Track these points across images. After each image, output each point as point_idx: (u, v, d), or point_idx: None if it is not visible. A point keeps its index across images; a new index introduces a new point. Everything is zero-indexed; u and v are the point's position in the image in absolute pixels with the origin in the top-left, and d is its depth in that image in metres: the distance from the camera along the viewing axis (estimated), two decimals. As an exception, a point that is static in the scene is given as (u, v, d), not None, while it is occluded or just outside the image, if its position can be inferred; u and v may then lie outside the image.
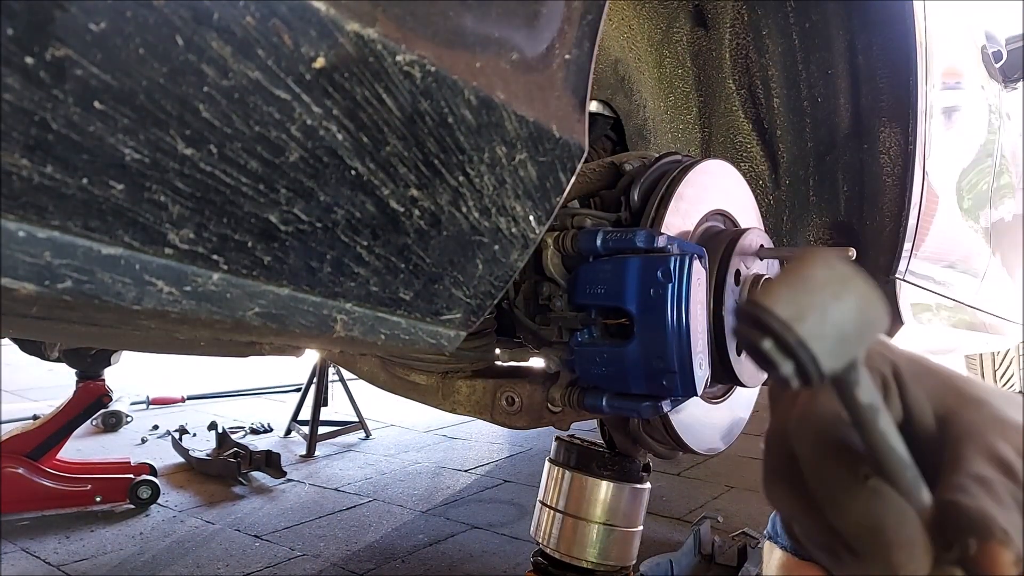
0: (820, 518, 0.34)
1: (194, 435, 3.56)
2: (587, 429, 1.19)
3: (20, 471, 2.33)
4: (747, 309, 0.28)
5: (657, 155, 1.00)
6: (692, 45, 1.37)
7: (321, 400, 3.48)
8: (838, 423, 0.34)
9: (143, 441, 3.47)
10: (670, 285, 0.81)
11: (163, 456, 3.13)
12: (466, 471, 3.09)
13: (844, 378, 0.29)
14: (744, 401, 1.16)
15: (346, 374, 3.74)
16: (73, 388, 2.63)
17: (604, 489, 1.09)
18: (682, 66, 1.38)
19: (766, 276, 1.02)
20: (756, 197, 1.14)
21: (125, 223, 0.41)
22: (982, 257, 2.12)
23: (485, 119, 0.54)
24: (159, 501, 2.55)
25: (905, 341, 1.61)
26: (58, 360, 2.50)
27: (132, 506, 2.49)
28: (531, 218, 0.62)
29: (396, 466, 3.16)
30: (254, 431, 3.72)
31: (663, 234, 0.85)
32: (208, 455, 3.01)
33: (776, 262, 1.08)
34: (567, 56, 0.60)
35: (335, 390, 4.01)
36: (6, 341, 2.64)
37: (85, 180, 0.39)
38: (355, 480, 2.93)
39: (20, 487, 2.32)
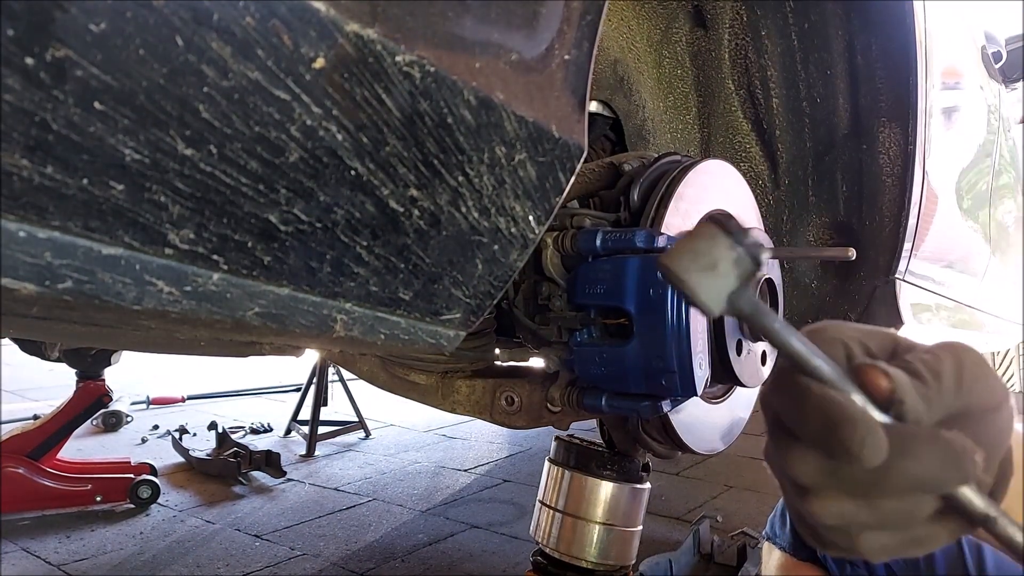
0: (814, 451, 0.39)
1: (194, 435, 3.56)
2: (587, 429, 1.19)
3: (20, 471, 2.33)
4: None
5: (656, 155, 1.01)
6: (691, 45, 1.37)
7: (321, 400, 3.49)
8: (787, 368, 0.40)
9: (143, 441, 3.48)
10: (670, 285, 0.81)
11: (163, 456, 3.13)
12: (466, 471, 3.09)
13: (733, 308, 0.37)
14: (744, 401, 1.16)
15: (346, 374, 3.75)
16: (73, 388, 2.64)
17: (604, 489, 1.09)
18: (681, 66, 1.38)
19: (766, 276, 1.02)
20: (756, 197, 1.14)
21: (125, 223, 0.41)
22: (982, 257, 2.12)
23: (484, 119, 0.54)
24: (159, 501, 2.55)
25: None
26: (58, 360, 2.50)
27: (132, 506, 2.49)
28: (530, 218, 0.62)
29: (396, 466, 3.16)
30: (254, 431, 3.72)
31: (663, 234, 0.85)
32: (208, 455, 3.01)
33: (776, 262, 1.08)
34: (566, 56, 0.60)
35: (335, 390, 4.01)
36: (6, 341, 2.65)
37: (85, 180, 0.39)
38: (355, 480, 2.93)
39: (21, 487, 2.32)
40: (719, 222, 0.37)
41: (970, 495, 0.38)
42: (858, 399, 0.37)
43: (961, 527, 0.40)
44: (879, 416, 0.37)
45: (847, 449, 0.36)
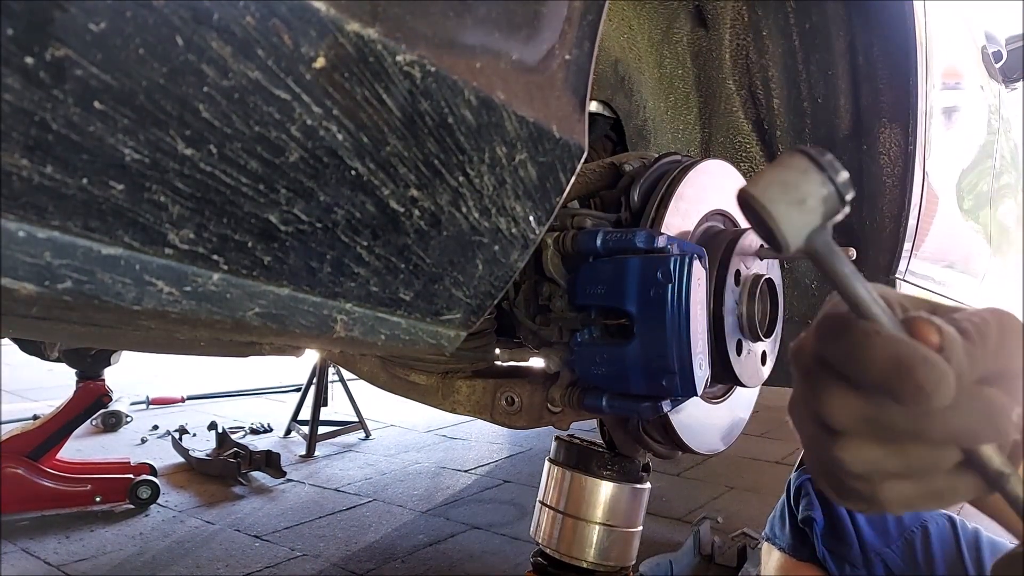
0: (855, 395, 0.40)
1: (194, 435, 3.56)
2: (587, 429, 1.19)
3: (20, 471, 2.33)
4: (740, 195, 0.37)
5: (657, 155, 1.00)
6: (692, 45, 1.37)
7: (321, 400, 3.48)
8: (842, 314, 0.40)
9: (143, 441, 3.47)
10: (670, 285, 0.81)
11: (163, 456, 3.13)
12: (466, 471, 3.09)
13: (810, 247, 0.37)
14: (744, 401, 1.16)
15: (346, 374, 3.74)
16: (73, 388, 2.63)
17: (604, 489, 1.08)
18: (682, 66, 1.38)
19: (766, 276, 1.02)
20: (756, 197, 1.13)
21: (125, 223, 0.41)
22: (982, 257, 2.12)
23: (485, 119, 0.54)
24: (159, 501, 2.55)
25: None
26: (58, 360, 2.49)
27: (132, 506, 2.48)
28: (531, 218, 0.62)
29: (396, 466, 3.16)
30: (254, 431, 3.72)
31: (663, 234, 0.85)
32: (208, 455, 3.00)
33: (776, 262, 1.08)
34: (567, 56, 0.60)
35: (335, 390, 4.01)
36: (6, 341, 2.65)
37: (85, 180, 0.39)
38: (355, 480, 2.93)
39: (20, 487, 2.32)
40: (810, 154, 0.36)
41: (990, 451, 0.39)
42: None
43: (979, 484, 0.41)
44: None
45: (920, 388, 0.37)
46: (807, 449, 0.45)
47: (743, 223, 1.07)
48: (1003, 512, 0.49)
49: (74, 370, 2.64)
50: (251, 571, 2.03)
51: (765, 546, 1.24)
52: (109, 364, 2.65)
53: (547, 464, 1.16)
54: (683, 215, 0.94)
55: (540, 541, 1.13)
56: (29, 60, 0.35)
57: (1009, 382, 0.40)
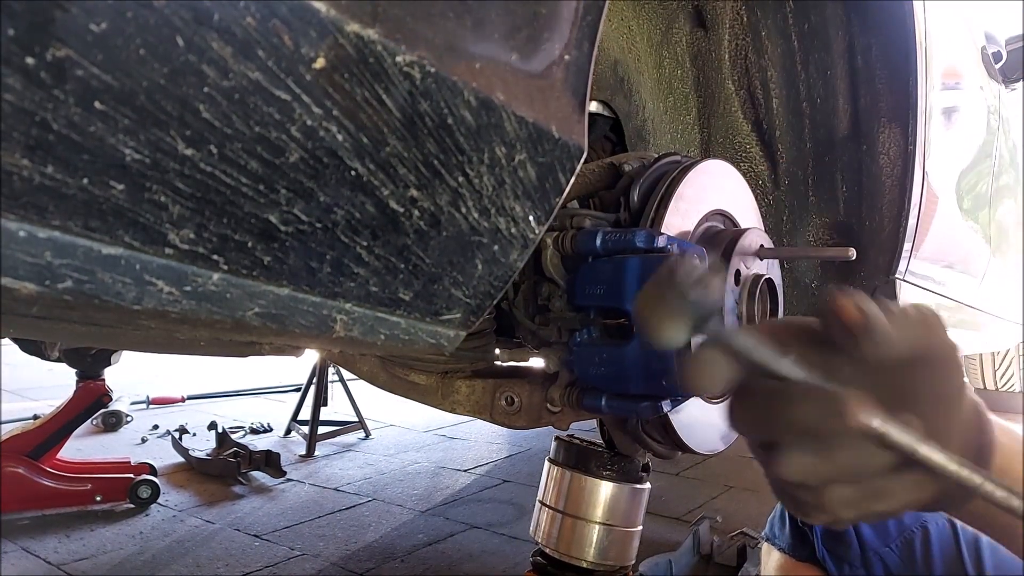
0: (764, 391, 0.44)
1: (194, 435, 3.56)
2: (587, 429, 1.19)
3: (20, 470, 2.33)
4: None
5: (656, 155, 1.01)
6: (691, 46, 1.37)
7: (321, 400, 3.49)
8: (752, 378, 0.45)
9: (143, 441, 3.48)
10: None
11: (163, 456, 3.13)
12: (465, 471, 3.09)
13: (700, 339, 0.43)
14: (743, 401, 1.15)
15: (346, 374, 3.75)
16: (73, 388, 2.64)
17: (603, 489, 1.09)
18: (681, 67, 1.38)
19: (766, 276, 1.02)
20: (756, 197, 1.14)
21: (125, 223, 0.41)
22: (982, 257, 2.12)
23: (485, 120, 0.54)
24: (159, 501, 2.55)
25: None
26: (58, 360, 2.50)
27: (132, 505, 2.49)
28: (530, 218, 0.62)
29: (395, 466, 3.16)
30: (254, 431, 3.72)
31: (663, 234, 0.85)
32: (208, 455, 3.01)
33: (776, 262, 1.08)
34: (567, 57, 0.60)
35: (335, 390, 4.01)
36: (6, 341, 2.64)
37: (86, 180, 0.39)
38: (354, 480, 2.93)
39: (20, 486, 2.32)
40: (674, 267, 0.42)
41: (893, 431, 0.41)
42: (798, 371, 0.43)
43: (922, 480, 0.43)
44: (798, 373, 0.44)
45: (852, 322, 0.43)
46: (764, 473, 0.48)
47: (743, 223, 1.07)
48: (998, 527, 0.50)
49: (74, 370, 2.64)
50: (251, 570, 2.03)
51: (765, 546, 1.24)
52: (109, 364, 2.65)
53: (547, 464, 1.16)
54: (683, 215, 0.95)
55: (539, 540, 1.13)
56: (30, 60, 0.35)
57: (917, 371, 0.44)
